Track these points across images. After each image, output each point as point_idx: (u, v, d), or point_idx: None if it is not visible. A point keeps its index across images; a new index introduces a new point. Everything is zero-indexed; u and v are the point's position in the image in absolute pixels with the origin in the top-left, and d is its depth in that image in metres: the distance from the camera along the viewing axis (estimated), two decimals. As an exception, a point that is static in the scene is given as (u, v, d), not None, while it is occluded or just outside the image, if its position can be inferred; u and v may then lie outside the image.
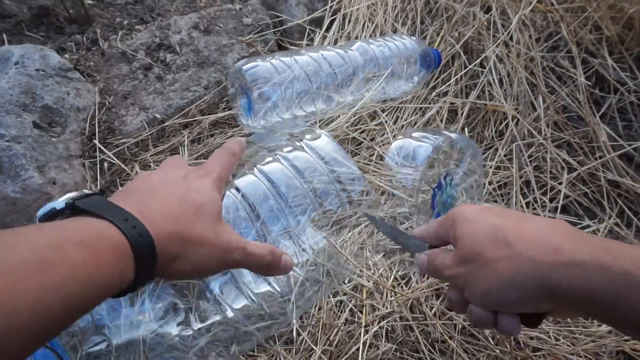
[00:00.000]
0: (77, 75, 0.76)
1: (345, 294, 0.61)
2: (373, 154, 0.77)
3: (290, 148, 0.50)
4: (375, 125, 0.81)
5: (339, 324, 0.58)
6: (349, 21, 0.95)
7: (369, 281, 0.62)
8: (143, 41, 0.84)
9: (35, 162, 0.64)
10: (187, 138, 0.74)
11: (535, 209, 0.77)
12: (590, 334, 0.61)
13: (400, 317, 0.60)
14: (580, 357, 0.58)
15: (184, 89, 0.79)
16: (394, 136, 0.81)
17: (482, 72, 0.89)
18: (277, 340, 0.57)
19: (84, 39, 0.86)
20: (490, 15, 0.92)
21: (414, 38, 0.88)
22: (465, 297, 0.38)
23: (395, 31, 0.96)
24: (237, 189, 0.46)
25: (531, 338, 0.60)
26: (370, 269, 0.64)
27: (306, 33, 0.93)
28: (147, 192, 0.38)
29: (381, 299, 0.61)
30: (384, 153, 0.77)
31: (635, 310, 0.30)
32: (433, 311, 0.61)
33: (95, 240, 0.30)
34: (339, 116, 0.78)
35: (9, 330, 0.24)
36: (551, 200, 0.78)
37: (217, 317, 0.42)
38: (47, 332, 0.27)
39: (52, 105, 0.70)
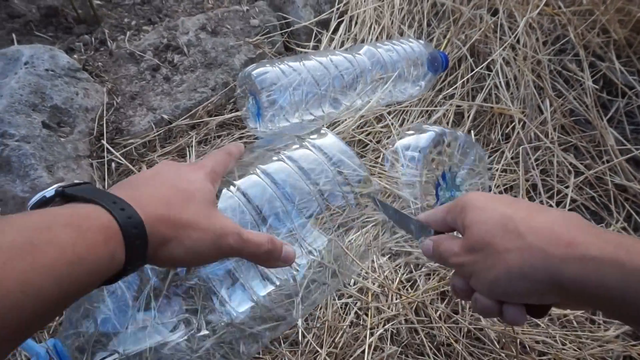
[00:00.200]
0: (86, 75, 0.76)
1: (350, 297, 0.61)
2: (379, 157, 0.77)
3: (295, 147, 0.50)
4: (382, 127, 0.81)
5: (344, 327, 0.58)
6: (356, 23, 0.95)
7: (374, 283, 0.62)
8: (151, 42, 0.84)
9: (44, 162, 0.64)
10: (195, 139, 0.74)
11: (541, 212, 0.76)
12: (597, 339, 0.61)
13: (406, 320, 0.60)
14: (586, 362, 0.58)
15: (191, 90, 0.79)
16: (400, 139, 0.81)
17: (489, 75, 0.89)
18: (282, 342, 0.57)
19: (92, 39, 0.86)
20: (497, 18, 0.92)
21: (421, 41, 0.88)
22: (471, 286, 0.38)
23: (401, 34, 0.96)
24: (241, 190, 0.46)
25: (537, 342, 0.60)
26: (376, 271, 0.64)
27: (313, 35, 0.93)
28: (138, 182, 0.38)
29: (386, 301, 0.61)
30: (389, 156, 0.77)
31: None
32: (438, 314, 0.61)
33: (83, 221, 0.29)
34: (346, 119, 0.78)
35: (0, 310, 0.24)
36: (558, 204, 0.78)
37: (224, 321, 0.42)
38: (40, 315, 0.26)
39: (61, 105, 0.70)
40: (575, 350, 0.60)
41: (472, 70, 0.90)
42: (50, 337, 0.41)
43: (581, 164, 0.82)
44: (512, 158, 0.82)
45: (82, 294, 0.30)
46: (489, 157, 0.84)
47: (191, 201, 0.36)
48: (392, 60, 0.81)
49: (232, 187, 0.45)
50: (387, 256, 0.66)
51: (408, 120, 0.84)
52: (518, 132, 0.83)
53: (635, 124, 0.89)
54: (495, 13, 0.93)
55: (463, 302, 0.62)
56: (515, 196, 0.78)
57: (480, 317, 0.60)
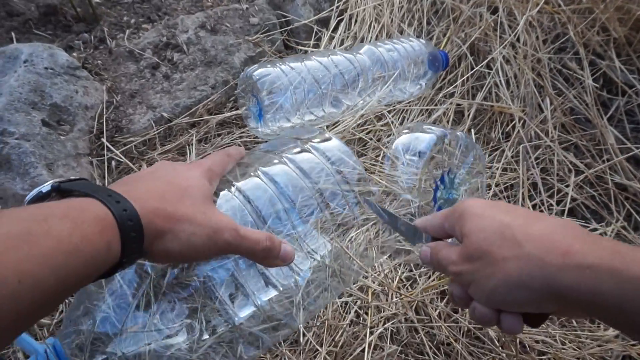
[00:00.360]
0: (85, 73, 0.76)
1: (350, 295, 0.61)
2: (379, 155, 0.77)
3: (297, 150, 0.50)
4: (382, 125, 0.81)
5: (344, 325, 0.58)
6: (356, 21, 0.95)
7: (374, 282, 0.62)
8: (150, 40, 0.84)
9: (44, 160, 0.64)
10: (195, 137, 0.74)
11: (542, 211, 0.76)
12: (596, 339, 0.61)
13: (406, 319, 0.60)
14: (586, 360, 0.58)
15: (191, 88, 0.79)
16: (402, 129, 0.81)
17: (489, 73, 0.88)
18: (282, 341, 0.57)
19: (92, 37, 0.86)
20: (497, 16, 0.91)
21: (421, 40, 0.88)
22: (469, 294, 0.38)
23: (401, 32, 0.96)
24: (242, 191, 0.45)
25: (537, 342, 0.60)
26: (376, 270, 0.64)
27: (313, 33, 0.93)
28: (134, 178, 0.38)
29: (386, 300, 0.61)
30: (389, 154, 0.77)
31: None
32: (438, 313, 0.61)
33: (79, 213, 0.30)
34: (347, 118, 0.78)
35: None
36: (558, 202, 0.78)
37: (226, 326, 0.42)
38: (37, 305, 0.27)
39: (61, 103, 0.70)
40: (574, 349, 0.60)
41: (472, 68, 0.90)
42: (50, 337, 0.41)
43: (581, 162, 0.82)
44: (512, 157, 0.82)
45: (79, 286, 0.30)
46: (489, 155, 0.84)
47: (187, 196, 0.36)
48: (393, 59, 0.81)
49: (232, 188, 0.45)
50: (387, 254, 0.65)
51: (408, 119, 0.84)
52: (518, 131, 0.83)
53: (636, 123, 0.89)
54: (495, 11, 0.93)
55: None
56: (515, 195, 0.78)
57: None
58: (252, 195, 0.45)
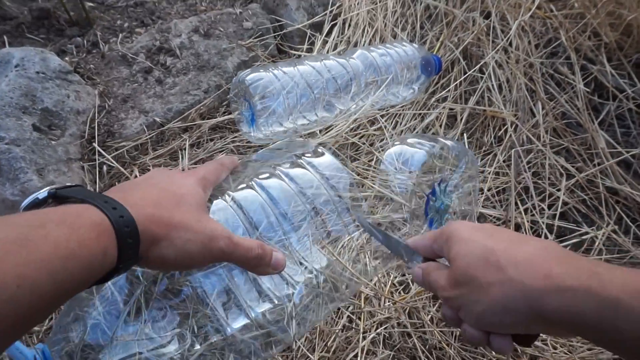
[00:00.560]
0: (77, 78, 0.76)
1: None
2: (372, 159, 0.77)
3: (291, 164, 0.50)
4: (375, 130, 0.81)
5: (337, 331, 0.58)
6: (349, 26, 0.95)
7: (366, 287, 0.62)
8: (143, 44, 0.84)
9: (34, 165, 0.64)
10: (187, 142, 0.74)
11: (533, 215, 0.77)
12: (587, 342, 0.61)
13: (398, 324, 0.60)
14: (578, 364, 0.59)
15: (183, 92, 0.79)
16: (393, 141, 0.81)
17: (482, 77, 0.89)
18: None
19: (85, 41, 0.86)
20: (490, 21, 0.92)
21: (414, 44, 0.88)
22: (460, 317, 0.39)
23: (395, 36, 0.96)
24: (236, 201, 0.45)
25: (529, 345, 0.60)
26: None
27: (306, 37, 0.93)
28: (129, 186, 0.39)
29: (379, 305, 0.61)
30: (381, 158, 0.77)
31: (623, 334, 0.31)
32: (430, 317, 0.61)
33: (75, 218, 0.30)
34: (340, 123, 0.78)
35: None
36: (550, 206, 0.79)
37: (218, 336, 0.41)
38: (35, 310, 0.27)
39: (52, 108, 0.70)
40: (566, 353, 0.60)
41: (465, 73, 0.90)
42: (39, 343, 0.40)
43: (572, 166, 0.83)
44: (504, 161, 0.82)
45: (76, 291, 0.30)
46: (482, 159, 0.84)
47: (182, 203, 0.37)
48: (386, 64, 0.81)
49: (226, 197, 0.45)
50: (380, 259, 0.66)
51: (401, 123, 0.85)
52: (510, 135, 0.84)
53: (626, 127, 0.90)
54: (487, 16, 0.94)
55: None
56: (507, 199, 0.78)
57: None
58: (245, 204, 0.45)
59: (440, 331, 0.60)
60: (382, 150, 0.77)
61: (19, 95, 0.67)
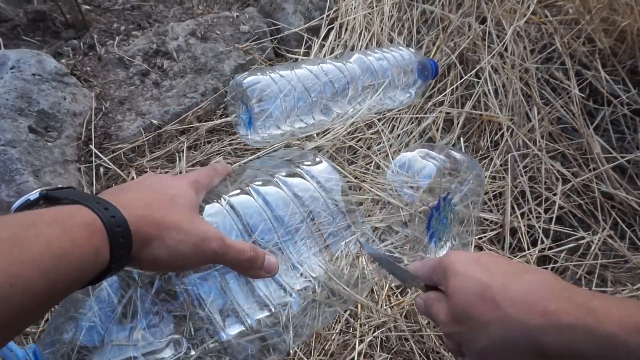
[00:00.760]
0: (74, 80, 0.76)
1: (340, 303, 0.61)
2: (369, 163, 0.77)
3: (288, 172, 0.50)
4: (372, 134, 0.81)
5: (334, 334, 0.58)
6: (346, 30, 0.96)
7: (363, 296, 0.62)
8: (140, 47, 0.84)
9: (30, 167, 0.63)
10: (185, 144, 0.74)
11: (530, 219, 0.77)
12: None
13: (395, 327, 0.60)
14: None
15: (180, 95, 0.79)
16: (390, 145, 0.81)
17: (478, 82, 0.89)
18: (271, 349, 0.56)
19: (81, 44, 0.85)
20: (486, 26, 0.93)
21: (411, 49, 0.89)
22: (463, 351, 0.40)
23: (391, 40, 0.97)
24: (231, 205, 0.45)
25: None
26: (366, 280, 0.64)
27: (303, 41, 0.94)
28: (121, 188, 0.39)
29: (376, 309, 0.61)
30: (380, 162, 0.77)
31: None
32: (427, 320, 0.61)
33: (67, 218, 0.30)
34: (337, 126, 0.78)
35: None
36: (546, 211, 0.79)
37: (213, 343, 0.41)
38: (28, 309, 0.27)
39: (48, 110, 0.69)
40: None
41: (461, 77, 0.91)
42: (32, 343, 0.40)
43: (568, 171, 0.83)
44: (500, 165, 0.83)
45: (69, 291, 0.30)
46: (478, 163, 0.84)
47: (174, 205, 0.37)
48: (383, 68, 0.81)
49: (222, 201, 0.45)
50: (377, 263, 0.65)
51: (398, 127, 0.85)
52: (506, 140, 0.84)
53: (621, 132, 0.91)
54: (483, 21, 0.94)
55: None
56: (503, 203, 0.79)
57: None
58: (240, 208, 0.45)
59: (437, 335, 0.60)
60: (380, 153, 0.77)
61: (15, 97, 0.67)
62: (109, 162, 0.69)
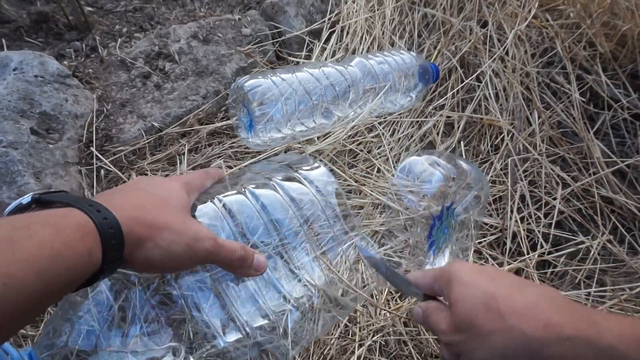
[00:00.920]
0: (76, 82, 0.76)
1: (339, 307, 0.61)
2: (370, 166, 0.77)
3: (286, 176, 0.51)
4: (372, 137, 0.81)
5: (333, 339, 0.58)
6: (347, 33, 0.96)
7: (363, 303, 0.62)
8: (142, 49, 0.84)
9: (31, 168, 0.63)
10: (186, 147, 0.74)
11: (529, 223, 0.77)
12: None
13: (394, 332, 0.60)
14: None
15: (182, 97, 0.79)
16: (391, 149, 0.81)
17: (479, 86, 0.90)
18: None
19: (83, 45, 0.86)
20: (487, 30, 0.93)
21: (412, 53, 0.89)
22: None
23: (392, 44, 0.97)
24: (228, 207, 0.45)
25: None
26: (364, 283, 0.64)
27: (305, 44, 0.94)
28: (113, 190, 0.40)
29: (375, 314, 0.61)
30: (380, 165, 0.77)
31: None
32: (427, 325, 0.61)
33: (60, 219, 0.30)
34: (337, 130, 0.78)
35: None
36: (546, 215, 0.79)
37: (211, 350, 0.41)
38: (22, 310, 0.27)
39: (50, 111, 0.70)
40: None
41: (462, 81, 0.91)
42: (28, 346, 0.40)
43: (568, 175, 0.83)
44: (500, 169, 0.83)
45: (62, 293, 0.30)
46: (478, 167, 0.84)
47: (166, 206, 0.38)
48: (384, 72, 0.81)
49: (217, 202, 0.45)
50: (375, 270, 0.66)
51: (399, 131, 0.85)
52: (507, 144, 0.84)
53: (621, 137, 0.91)
54: (484, 25, 0.95)
55: None
56: (504, 207, 0.79)
57: None
58: (235, 210, 0.45)
59: (436, 339, 0.60)
60: (380, 157, 0.78)
61: (17, 98, 0.67)
62: (110, 165, 0.70)
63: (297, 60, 0.92)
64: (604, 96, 0.91)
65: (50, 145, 0.68)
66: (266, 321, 0.43)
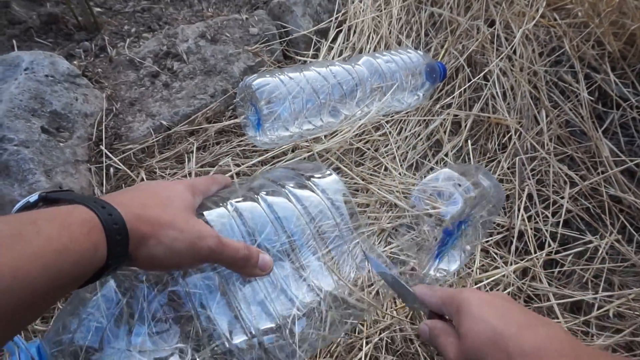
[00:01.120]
0: (85, 81, 0.77)
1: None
2: (377, 165, 0.77)
3: (298, 183, 0.51)
4: (379, 136, 0.82)
5: (339, 336, 0.58)
6: (354, 32, 0.96)
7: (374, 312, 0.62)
8: (151, 49, 0.85)
9: (42, 167, 0.64)
10: (194, 145, 0.75)
11: (537, 222, 0.77)
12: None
13: (400, 329, 0.60)
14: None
15: (190, 96, 0.80)
16: (398, 147, 0.81)
17: (486, 85, 0.89)
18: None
19: (93, 45, 0.87)
20: (494, 29, 0.93)
21: (419, 51, 0.89)
22: None
23: (399, 43, 0.97)
24: (239, 212, 0.46)
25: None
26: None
27: (312, 43, 0.94)
28: (119, 191, 0.41)
29: (381, 311, 0.62)
30: (387, 164, 0.77)
31: None
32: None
33: (66, 215, 0.31)
34: (345, 128, 0.78)
35: None
36: (553, 214, 0.79)
37: (218, 351, 0.42)
38: (29, 304, 0.27)
39: (61, 110, 0.70)
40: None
41: (470, 80, 0.91)
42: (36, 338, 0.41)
43: (576, 174, 0.83)
44: (508, 168, 0.83)
45: (69, 287, 0.31)
46: (486, 166, 0.84)
47: (170, 205, 0.38)
48: (391, 70, 0.81)
49: (229, 207, 0.46)
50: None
51: (406, 129, 0.85)
52: (514, 142, 0.84)
53: (630, 136, 0.90)
54: (492, 24, 0.94)
55: None
56: (511, 206, 0.78)
57: None
58: (246, 214, 0.45)
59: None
60: (387, 155, 0.78)
61: (28, 97, 0.68)
62: (119, 163, 0.70)
63: (305, 59, 0.93)
64: (613, 95, 0.91)
65: (61, 144, 0.69)
66: (272, 324, 0.43)
